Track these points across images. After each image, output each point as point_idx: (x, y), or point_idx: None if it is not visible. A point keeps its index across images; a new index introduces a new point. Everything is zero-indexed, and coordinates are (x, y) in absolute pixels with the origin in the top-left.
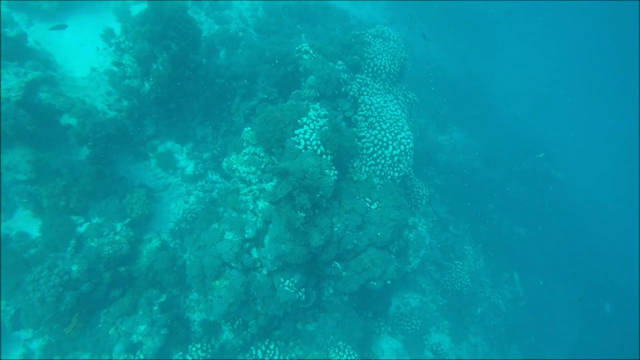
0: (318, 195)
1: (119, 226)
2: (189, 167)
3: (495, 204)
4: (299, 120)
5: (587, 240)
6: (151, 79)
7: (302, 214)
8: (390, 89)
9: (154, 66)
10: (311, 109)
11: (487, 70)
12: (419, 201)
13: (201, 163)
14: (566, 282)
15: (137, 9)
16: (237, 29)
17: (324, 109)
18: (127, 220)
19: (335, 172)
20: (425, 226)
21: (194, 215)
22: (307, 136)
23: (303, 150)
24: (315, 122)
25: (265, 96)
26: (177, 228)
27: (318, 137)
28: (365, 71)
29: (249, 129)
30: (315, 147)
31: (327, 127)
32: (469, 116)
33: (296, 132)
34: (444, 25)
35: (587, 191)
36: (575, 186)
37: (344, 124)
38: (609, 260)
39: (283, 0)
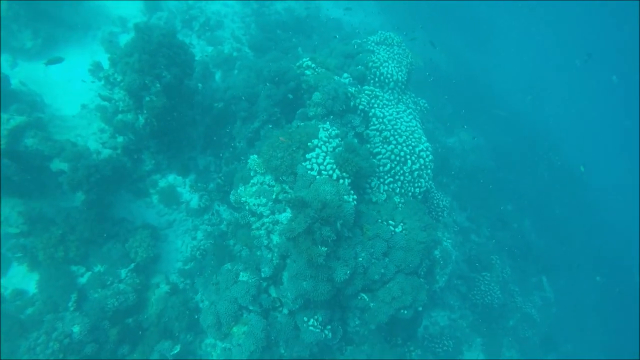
0: (339, 224)
1: (123, 273)
2: (194, 200)
3: (513, 204)
4: (309, 143)
5: (607, 234)
6: (145, 112)
7: (324, 249)
8: (400, 97)
9: (147, 98)
10: (321, 130)
11: (485, 66)
12: (440, 214)
13: (206, 195)
14: (592, 279)
15: (125, 38)
16: (231, 48)
17: (334, 127)
18: (132, 265)
19: (354, 196)
20: (450, 240)
21: (203, 252)
22: (320, 160)
23: (317, 177)
24: (327, 144)
25: (268, 117)
26: (186, 267)
27: (332, 160)
28: (372, 81)
29: (255, 156)
30: (331, 172)
31: (340, 148)
32: (473, 115)
33: (307, 156)
34: (438, 25)
35: (602, 182)
36: (590, 178)
37: (356, 140)
38: (631, 253)
39: (275, 14)
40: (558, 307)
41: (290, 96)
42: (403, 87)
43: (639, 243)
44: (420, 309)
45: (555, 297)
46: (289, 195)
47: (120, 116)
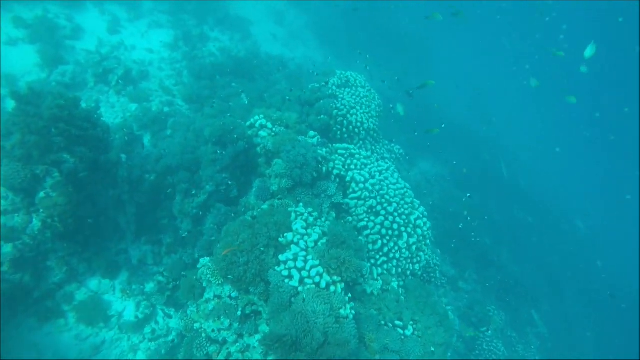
0: (338, 354)
1: None
2: (128, 308)
3: (490, 237)
4: (280, 239)
5: (584, 254)
6: (41, 212)
7: None
8: (374, 147)
9: (41, 194)
10: (293, 215)
11: (431, 89)
12: (432, 275)
13: (145, 299)
14: (576, 302)
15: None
16: (161, 103)
17: (309, 208)
18: None
19: (352, 304)
20: (450, 307)
21: None
22: (299, 264)
23: (299, 288)
24: (306, 237)
25: (216, 187)
26: None
27: (317, 261)
28: (339, 132)
29: (207, 260)
30: (317, 279)
31: (325, 239)
32: (427, 140)
33: (281, 258)
34: (379, 53)
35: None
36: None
37: (333, 214)
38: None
39: (209, 57)
40: (552, 341)
41: (242, 158)
42: (375, 134)
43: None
44: None
45: (549, 331)
46: (266, 329)
47: (3, 219)
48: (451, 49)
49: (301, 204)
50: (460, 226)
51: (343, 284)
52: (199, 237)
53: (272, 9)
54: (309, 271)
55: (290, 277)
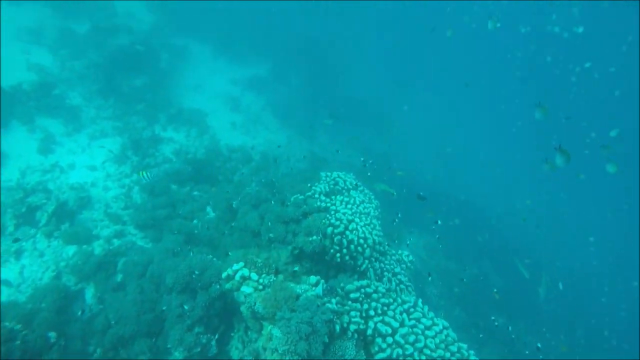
0: None
1: None
2: None
3: (499, 310)
4: None
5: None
6: None
7: None
8: (383, 265)
9: None
10: None
11: (406, 158)
12: None
13: None
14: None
15: None
16: (108, 236)
17: None
18: None
19: None
20: None
21: None
22: None
23: None
24: None
25: (187, 353)
26: None
27: None
28: (338, 255)
29: None
30: None
31: None
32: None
33: None
34: (344, 125)
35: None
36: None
37: None
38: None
39: (165, 163)
40: None
41: (218, 304)
42: (381, 247)
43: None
44: None
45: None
46: None
47: None
48: (414, 108)
49: None
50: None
51: None
52: None
53: (228, 96)
54: None
55: None
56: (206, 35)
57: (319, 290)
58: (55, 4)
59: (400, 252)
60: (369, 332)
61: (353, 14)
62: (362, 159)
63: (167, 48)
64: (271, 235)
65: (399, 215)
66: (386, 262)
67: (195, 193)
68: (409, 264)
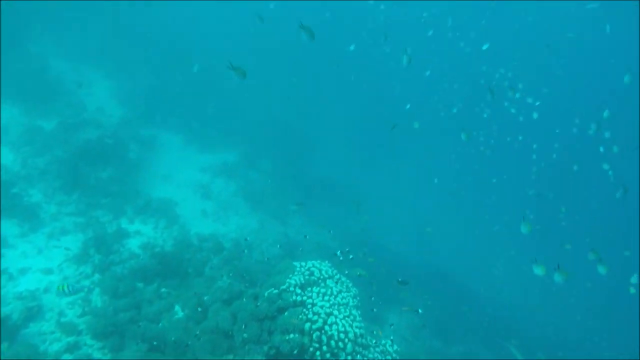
0: None
1: None
2: None
3: None
4: None
5: None
6: None
7: None
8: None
9: None
10: None
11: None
12: None
13: None
14: None
15: None
16: (59, 351)
17: None
18: None
19: None
20: None
21: None
22: None
23: None
24: None
25: None
26: None
27: None
28: (318, 352)
29: None
30: None
31: None
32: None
33: None
34: (313, 207)
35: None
36: None
37: None
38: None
39: (131, 259)
40: None
41: None
42: (363, 340)
43: None
44: None
45: None
46: None
47: None
48: (384, 181)
49: None
50: None
51: None
52: None
53: (198, 184)
54: None
55: None
56: (176, 124)
57: None
58: (23, 103)
59: (383, 342)
60: None
61: (322, 94)
62: (337, 252)
63: (136, 139)
64: (245, 335)
65: (377, 301)
66: (370, 355)
67: (163, 290)
68: (394, 355)
